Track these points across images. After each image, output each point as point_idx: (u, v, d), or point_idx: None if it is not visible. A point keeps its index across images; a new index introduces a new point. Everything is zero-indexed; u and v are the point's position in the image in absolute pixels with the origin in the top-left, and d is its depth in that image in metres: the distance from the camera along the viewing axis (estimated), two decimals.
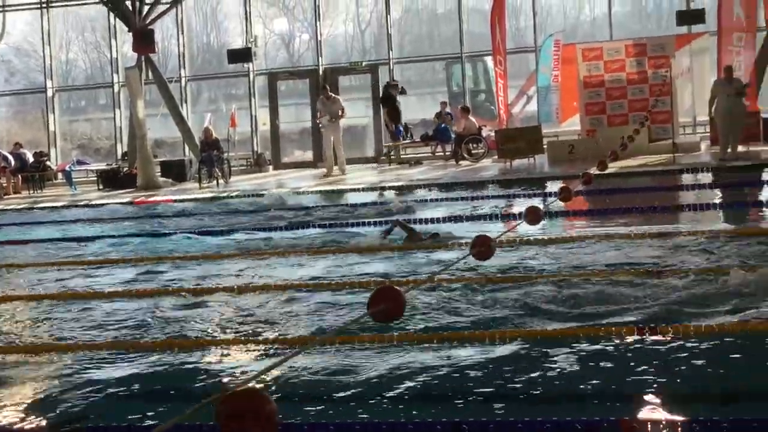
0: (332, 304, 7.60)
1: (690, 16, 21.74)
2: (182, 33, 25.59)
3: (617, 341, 6.10)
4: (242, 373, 5.81)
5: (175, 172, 23.05)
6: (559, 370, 5.62)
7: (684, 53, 21.07)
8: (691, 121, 22.17)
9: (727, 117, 17.77)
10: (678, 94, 20.31)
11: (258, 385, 5.05)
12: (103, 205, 18.70)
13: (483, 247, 4.38)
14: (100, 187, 22.98)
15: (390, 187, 17.64)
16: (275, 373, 5.58)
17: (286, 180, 21.29)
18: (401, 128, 22.84)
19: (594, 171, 8.63)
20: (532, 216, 5.65)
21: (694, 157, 18.97)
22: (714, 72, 19.94)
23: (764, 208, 12.07)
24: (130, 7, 23.49)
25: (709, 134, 20.12)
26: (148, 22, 23.61)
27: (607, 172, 9.94)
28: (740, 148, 18.14)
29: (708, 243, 9.35)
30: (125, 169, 23.34)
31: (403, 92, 23.91)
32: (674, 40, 21.05)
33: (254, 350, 6.53)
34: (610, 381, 5.44)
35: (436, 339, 6.27)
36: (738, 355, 5.75)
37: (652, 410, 4.93)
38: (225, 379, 5.73)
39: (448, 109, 23.32)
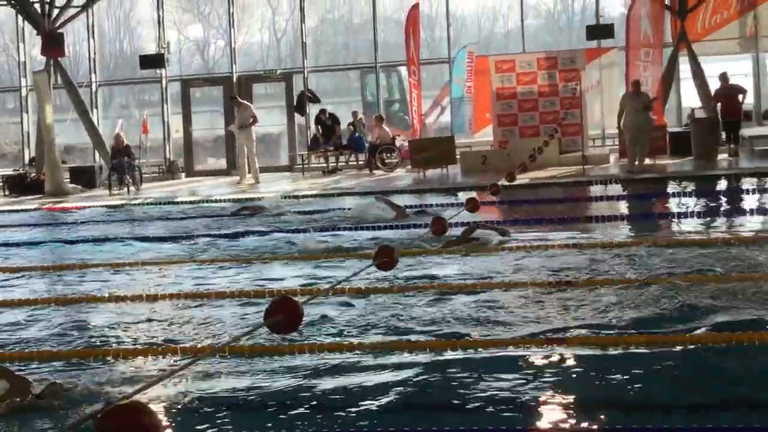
0: (235, 313, 7.56)
1: (600, 31, 22.14)
2: (93, 37, 25.14)
3: (524, 352, 6.18)
4: (133, 384, 5.71)
5: (85, 178, 22.61)
6: (463, 380, 5.65)
7: (594, 67, 21.47)
8: (600, 134, 22.58)
9: (634, 130, 18.16)
10: (588, 107, 20.67)
11: (153, 398, 4.98)
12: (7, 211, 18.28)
13: (386, 257, 4.38)
14: (6, 193, 22.44)
15: (304, 196, 17.59)
16: (177, 382, 5.49)
17: (200, 188, 21.05)
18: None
19: (503, 182, 8.75)
20: (438, 226, 5.67)
21: (603, 169, 19.34)
22: (622, 86, 20.35)
23: (670, 219, 12.35)
24: (39, 10, 23.00)
25: (617, 147, 20.52)
26: (57, 25, 23.13)
27: (516, 183, 10.08)
28: (647, 161, 18.53)
29: (616, 253, 9.53)
30: (32, 175, 22.81)
31: (316, 100, 23.88)
32: (584, 53, 21.44)
33: (146, 361, 6.43)
34: (513, 389, 5.49)
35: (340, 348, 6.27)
36: (641, 368, 5.84)
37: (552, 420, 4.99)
38: (111, 391, 5.61)
39: (362, 118, 23.34)
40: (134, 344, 6.89)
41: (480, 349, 6.24)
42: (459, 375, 5.70)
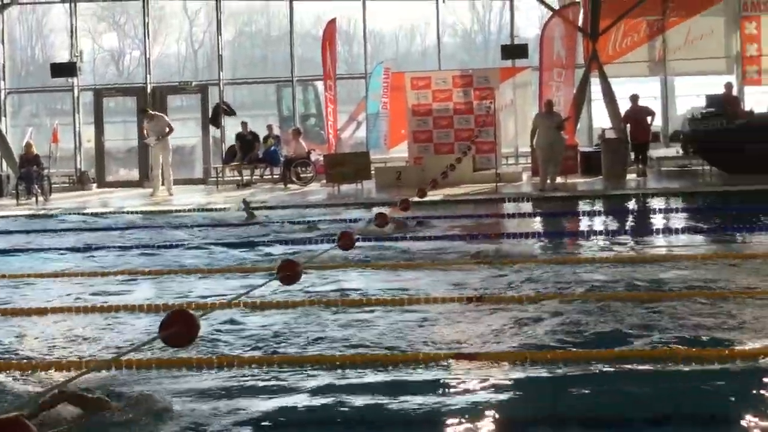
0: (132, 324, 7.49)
1: (514, 51, 22.47)
2: (3, 44, 24.58)
3: (430, 367, 6.22)
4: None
5: None
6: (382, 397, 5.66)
7: (508, 86, 21.77)
8: (513, 152, 22.88)
9: (546, 149, 18.45)
10: (501, 126, 20.93)
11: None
12: None
13: (290, 271, 4.37)
14: None
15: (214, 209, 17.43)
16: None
17: (111, 199, 20.72)
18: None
19: (414, 198, 8.80)
20: (346, 241, 5.68)
21: (515, 186, 19.58)
22: (535, 105, 20.67)
23: (580, 238, 12.51)
24: None
25: (530, 165, 20.82)
26: None
27: (430, 199, 10.20)
28: (559, 180, 18.84)
29: (527, 271, 9.66)
30: None
31: (231, 113, 23.74)
32: (499, 72, 21.74)
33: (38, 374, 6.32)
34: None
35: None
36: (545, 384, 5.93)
37: None
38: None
39: (276, 132, 23.25)
40: (32, 357, 6.75)
41: (394, 366, 6.26)
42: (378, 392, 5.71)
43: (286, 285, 4.41)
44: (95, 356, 6.64)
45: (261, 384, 5.91)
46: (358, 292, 8.67)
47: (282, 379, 6.01)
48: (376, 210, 10.14)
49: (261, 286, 4.55)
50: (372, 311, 7.82)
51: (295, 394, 5.70)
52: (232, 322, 7.47)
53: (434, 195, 16.97)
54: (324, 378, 5.97)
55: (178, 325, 2.99)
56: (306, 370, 6.14)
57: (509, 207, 16.83)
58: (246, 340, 7.02)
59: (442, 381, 5.87)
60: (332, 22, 22.68)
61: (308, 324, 7.45)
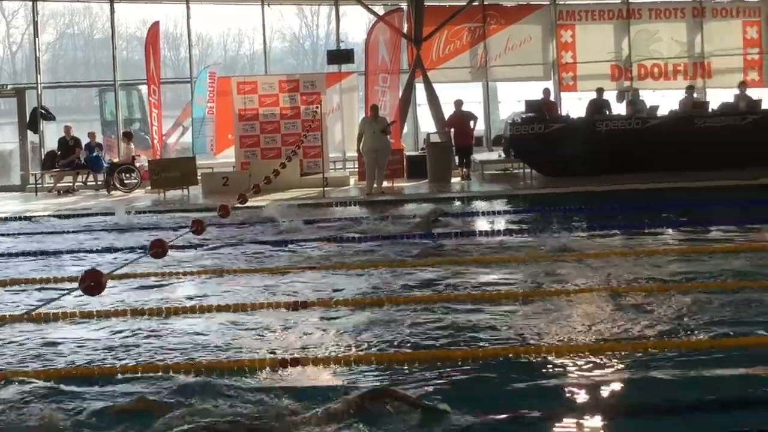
0: None
1: (340, 56, 22.61)
2: None
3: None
4: None
5: None
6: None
7: (335, 91, 21.90)
8: (340, 157, 23.02)
9: (372, 154, 18.65)
10: (329, 130, 21.02)
11: None
12: None
13: (93, 281, 4.25)
14: None
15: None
16: None
17: None
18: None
19: (234, 204, 8.71)
20: (157, 249, 5.56)
21: (343, 191, 19.70)
22: (361, 110, 20.85)
23: (405, 242, 12.59)
24: None
25: (357, 169, 20.99)
26: None
27: (257, 204, 10.11)
28: (385, 184, 19.06)
29: (355, 276, 9.75)
30: None
31: (50, 118, 22.91)
32: (325, 77, 21.83)
33: None
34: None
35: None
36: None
37: None
38: None
39: (98, 139, 22.55)
40: None
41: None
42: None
43: (89, 295, 4.27)
44: None
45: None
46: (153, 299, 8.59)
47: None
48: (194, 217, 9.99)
49: (60, 297, 4.39)
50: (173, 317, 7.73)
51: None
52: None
53: (261, 200, 16.90)
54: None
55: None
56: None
57: (336, 211, 16.86)
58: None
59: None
60: (156, 25, 22.24)
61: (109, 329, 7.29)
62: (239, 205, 8.92)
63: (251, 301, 8.45)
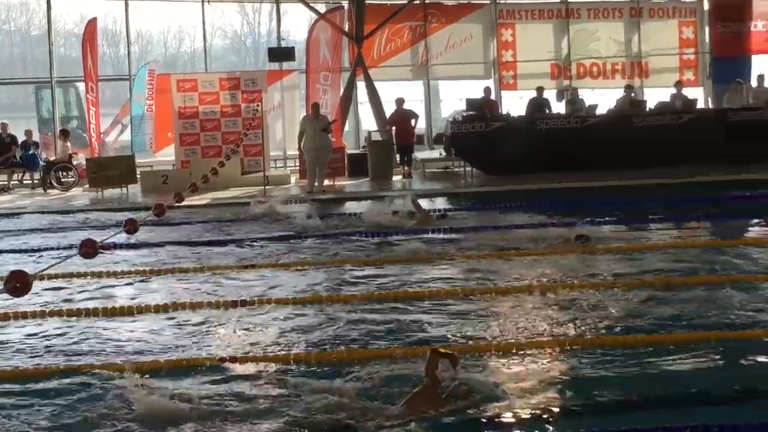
0: None
1: (281, 54, 22.51)
2: None
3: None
4: None
5: None
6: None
7: (276, 89, 21.81)
8: (282, 155, 22.93)
9: (314, 152, 18.60)
10: (270, 128, 20.93)
11: None
12: None
13: (18, 282, 4.18)
14: None
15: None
16: None
17: None
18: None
19: (170, 203, 8.63)
20: (87, 249, 5.48)
21: (284, 189, 19.62)
22: (303, 108, 20.78)
23: (349, 240, 12.55)
24: None
25: (298, 168, 20.91)
26: None
27: (196, 203, 10.03)
28: (326, 182, 19.02)
29: (294, 275, 9.74)
30: None
31: None
32: (266, 75, 21.72)
33: None
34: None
35: None
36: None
37: None
38: None
39: (35, 137, 22.19)
40: None
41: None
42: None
43: (14, 296, 4.20)
44: None
45: None
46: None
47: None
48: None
49: None
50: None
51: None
52: None
53: (201, 199, 16.79)
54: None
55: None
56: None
57: (278, 210, 16.74)
58: None
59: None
60: (93, 21, 21.95)
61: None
62: (176, 204, 8.82)
63: (191, 300, 8.39)
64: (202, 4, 23.59)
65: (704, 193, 15.98)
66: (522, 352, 6.53)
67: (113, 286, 9.37)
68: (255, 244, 11.94)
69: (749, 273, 8.98)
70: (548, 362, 6.30)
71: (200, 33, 24.35)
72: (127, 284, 9.48)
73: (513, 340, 6.86)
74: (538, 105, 20.94)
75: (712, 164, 17.81)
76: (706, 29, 24.88)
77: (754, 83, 21.48)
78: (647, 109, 20.45)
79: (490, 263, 10.00)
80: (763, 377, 5.92)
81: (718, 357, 6.29)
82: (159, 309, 8.13)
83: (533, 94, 21.50)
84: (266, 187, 18.88)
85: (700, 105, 22.47)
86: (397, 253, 11.04)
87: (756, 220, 12.65)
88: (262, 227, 13.63)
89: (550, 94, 21.98)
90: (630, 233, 11.82)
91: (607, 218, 12.90)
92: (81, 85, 23.17)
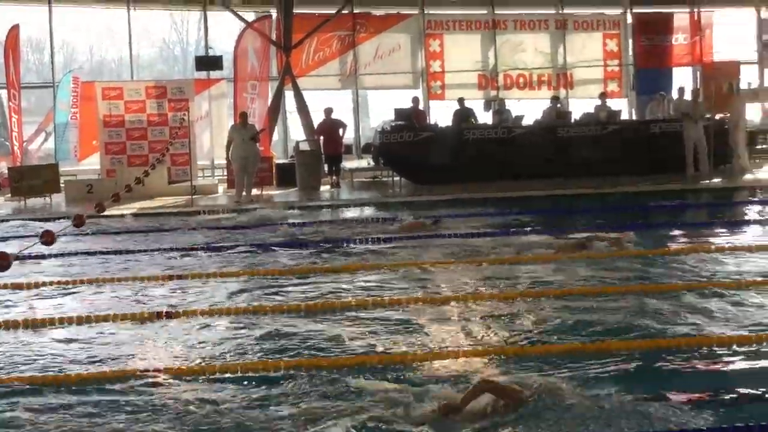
0: None
1: (208, 63, 22.37)
2: None
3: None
4: None
5: None
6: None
7: (203, 98, 21.67)
8: (209, 164, 22.75)
9: (242, 161, 18.50)
10: (197, 138, 20.77)
11: None
12: None
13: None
14: None
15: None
16: None
17: None
18: None
19: (91, 213, 8.51)
20: (47, 237, 5.39)
21: (211, 199, 19.46)
22: (231, 117, 20.67)
23: (276, 249, 12.45)
24: None
25: (226, 177, 20.78)
26: None
27: (121, 213, 9.90)
28: (255, 192, 18.92)
29: (214, 284, 9.66)
30: None
31: None
32: (194, 84, 21.55)
33: None
34: None
35: None
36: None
37: None
38: None
39: None
40: None
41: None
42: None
43: None
44: None
45: None
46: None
47: None
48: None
49: None
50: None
51: None
52: None
53: (127, 208, 16.57)
54: None
55: None
56: None
57: (205, 219, 16.60)
58: None
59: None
60: (15, 27, 21.54)
61: None
62: (96, 214, 8.69)
63: (114, 312, 8.28)
64: (128, 11, 23.34)
65: (628, 202, 16.26)
66: (439, 362, 6.54)
67: (31, 298, 9.18)
68: (183, 253, 11.83)
69: (671, 282, 9.12)
70: (468, 371, 6.32)
71: (126, 40, 24.03)
72: (42, 297, 9.28)
73: (436, 350, 6.87)
74: (463, 115, 21.10)
75: (636, 174, 18.16)
76: (630, 42, 25.37)
77: (675, 95, 21.94)
78: (572, 120, 20.76)
79: (420, 272, 10.01)
80: (682, 384, 6.00)
81: (638, 365, 6.36)
82: (81, 321, 7.99)
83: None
84: (193, 197, 18.71)
85: (624, 116, 22.88)
86: (323, 262, 11.02)
87: (676, 230, 12.89)
88: (190, 236, 13.49)
89: (476, 104, 22.17)
90: (556, 242, 11.93)
91: (533, 227, 13.04)
92: (3, 93, 22.72)
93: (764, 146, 23.26)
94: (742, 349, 6.63)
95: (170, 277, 10.03)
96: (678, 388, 5.72)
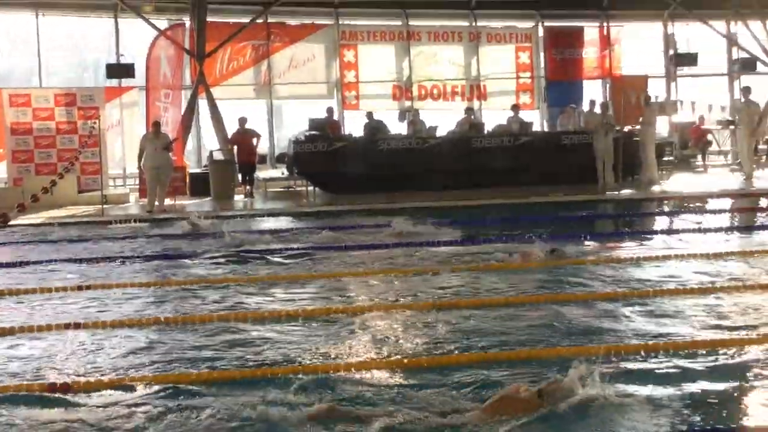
0: None
1: (119, 70, 22.07)
2: None
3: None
4: None
5: None
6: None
7: (115, 106, 21.35)
8: (121, 173, 22.41)
9: (154, 170, 18.27)
10: (108, 146, 20.45)
11: None
12: None
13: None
14: None
15: None
16: None
17: None
18: None
19: None
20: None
21: (123, 208, 19.17)
22: (143, 126, 20.40)
23: (186, 260, 12.28)
24: None
25: (138, 186, 20.48)
26: None
27: (26, 223, 9.66)
28: (167, 201, 18.69)
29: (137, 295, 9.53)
30: None
31: None
32: (104, 91, 21.22)
33: None
34: None
35: None
36: None
37: None
38: None
39: None
40: None
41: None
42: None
43: None
44: None
45: None
46: None
47: None
48: None
49: None
50: None
51: None
52: None
53: (35, 218, 16.24)
54: None
55: None
56: None
57: (116, 229, 16.33)
58: None
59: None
60: None
61: None
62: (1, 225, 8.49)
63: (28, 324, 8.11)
64: (36, 17, 22.89)
65: (540, 212, 16.49)
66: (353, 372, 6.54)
67: None
68: (102, 262, 11.65)
69: (586, 291, 9.25)
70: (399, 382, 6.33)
71: (35, 46, 23.54)
72: None
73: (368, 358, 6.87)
74: (373, 129, 21.10)
75: (547, 185, 18.45)
76: (542, 55, 25.78)
77: (586, 107, 22.34)
78: (486, 131, 20.99)
79: (340, 282, 10.01)
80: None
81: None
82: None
83: (376, 115, 21.76)
84: (104, 206, 18.40)
85: (536, 128, 23.23)
86: (245, 273, 10.94)
87: (589, 240, 13.05)
88: (102, 247, 13.26)
89: (391, 116, 22.30)
90: (469, 254, 12.00)
91: (447, 239, 13.12)
92: None
93: (671, 158, 23.86)
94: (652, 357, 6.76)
95: (87, 287, 9.85)
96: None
